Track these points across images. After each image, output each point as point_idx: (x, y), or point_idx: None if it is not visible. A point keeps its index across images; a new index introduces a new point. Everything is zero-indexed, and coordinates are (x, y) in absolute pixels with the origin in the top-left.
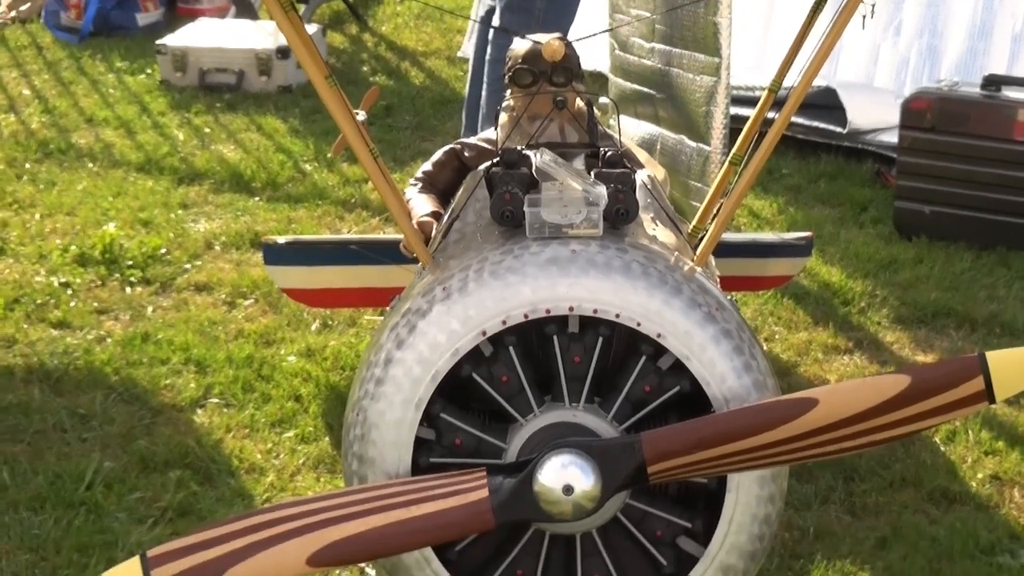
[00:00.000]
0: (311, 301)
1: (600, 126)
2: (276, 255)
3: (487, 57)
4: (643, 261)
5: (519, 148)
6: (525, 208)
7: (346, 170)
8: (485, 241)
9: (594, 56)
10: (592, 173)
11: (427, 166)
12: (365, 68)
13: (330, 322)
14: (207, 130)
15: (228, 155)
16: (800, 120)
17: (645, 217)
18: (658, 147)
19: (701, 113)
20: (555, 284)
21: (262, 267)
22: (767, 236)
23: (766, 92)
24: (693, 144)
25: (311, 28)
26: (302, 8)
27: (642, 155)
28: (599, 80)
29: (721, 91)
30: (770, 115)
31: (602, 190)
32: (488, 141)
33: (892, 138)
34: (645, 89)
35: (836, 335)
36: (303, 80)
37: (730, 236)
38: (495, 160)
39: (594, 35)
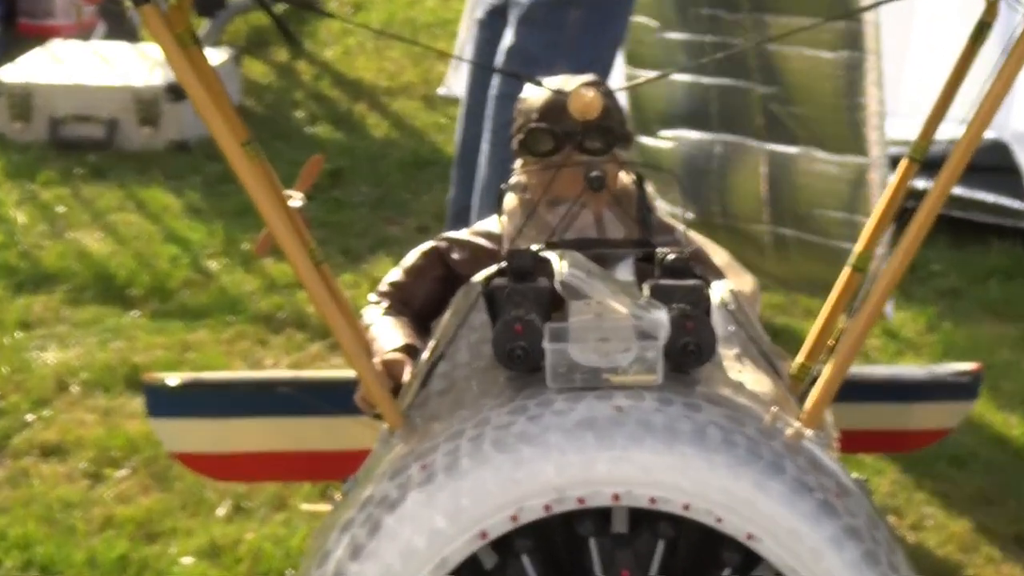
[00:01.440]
0: (218, 471)
1: (655, 212)
2: (165, 401)
3: (492, 92)
4: (724, 423)
5: (535, 249)
6: (545, 343)
7: (271, 269)
8: (485, 393)
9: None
10: (646, 287)
11: (396, 274)
12: (300, 113)
13: (246, 504)
14: (61, 209)
15: (92, 247)
16: (957, 191)
17: (726, 354)
18: (761, 169)
19: (842, 106)
20: (591, 459)
21: (143, 419)
22: (911, 370)
23: (905, 163)
24: (836, 157)
25: (219, 55)
26: (205, 26)
27: (719, 255)
28: None
29: (871, 71)
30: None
31: (662, 315)
32: (488, 236)
33: None
34: (734, 83)
35: (1019, 520)
36: (207, 133)
37: (856, 370)
38: (499, 268)
39: (647, 80)
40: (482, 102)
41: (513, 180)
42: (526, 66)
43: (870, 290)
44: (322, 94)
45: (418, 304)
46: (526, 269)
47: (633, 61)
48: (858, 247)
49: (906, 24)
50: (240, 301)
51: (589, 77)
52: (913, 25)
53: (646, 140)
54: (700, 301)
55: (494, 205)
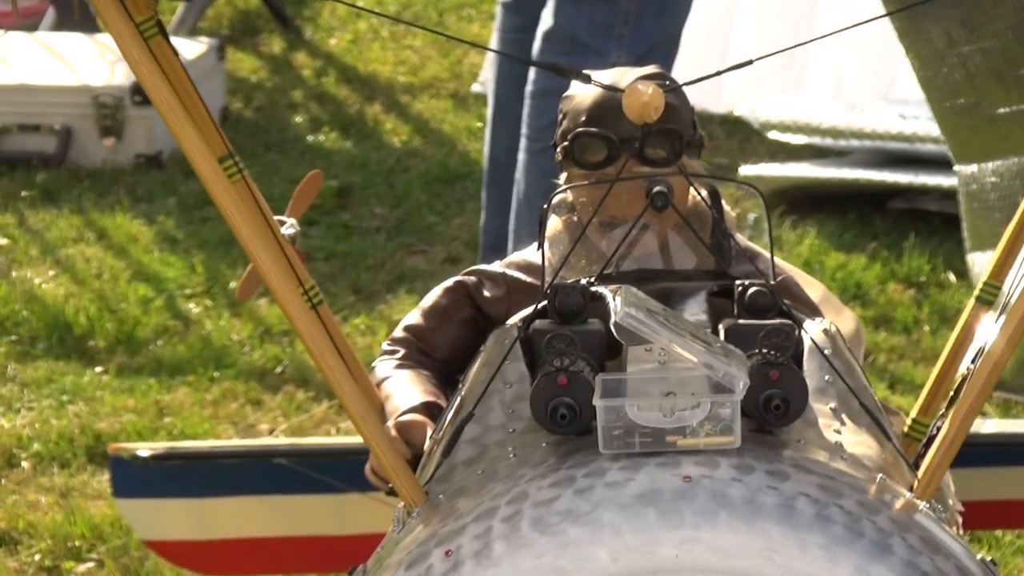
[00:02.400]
0: (201, 562)
1: (736, 236)
2: (136, 478)
3: (529, 88)
4: (818, 495)
5: (584, 284)
6: (596, 399)
7: (264, 311)
8: (522, 462)
9: (723, 89)
10: (722, 328)
11: (414, 316)
12: (299, 118)
13: None
14: (3, 241)
15: (44, 289)
16: None
17: (821, 409)
18: None
19: None
20: (654, 541)
21: (110, 500)
22: None
23: None
24: None
25: (196, 46)
26: (179, 9)
27: (814, 287)
28: (736, 132)
29: None
30: None
31: (740, 362)
32: (527, 268)
33: None
34: None
35: None
36: None
37: (985, 427)
38: (540, 307)
39: (718, 74)
40: (514, 103)
41: (557, 198)
42: (570, 55)
43: (1001, 326)
44: (326, 93)
45: (442, 353)
46: (573, 308)
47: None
48: (985, 274)
49: None
50: (227, 353)
51: (650, 69)
52: None
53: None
54: (788, 344)
55: (534, 229)
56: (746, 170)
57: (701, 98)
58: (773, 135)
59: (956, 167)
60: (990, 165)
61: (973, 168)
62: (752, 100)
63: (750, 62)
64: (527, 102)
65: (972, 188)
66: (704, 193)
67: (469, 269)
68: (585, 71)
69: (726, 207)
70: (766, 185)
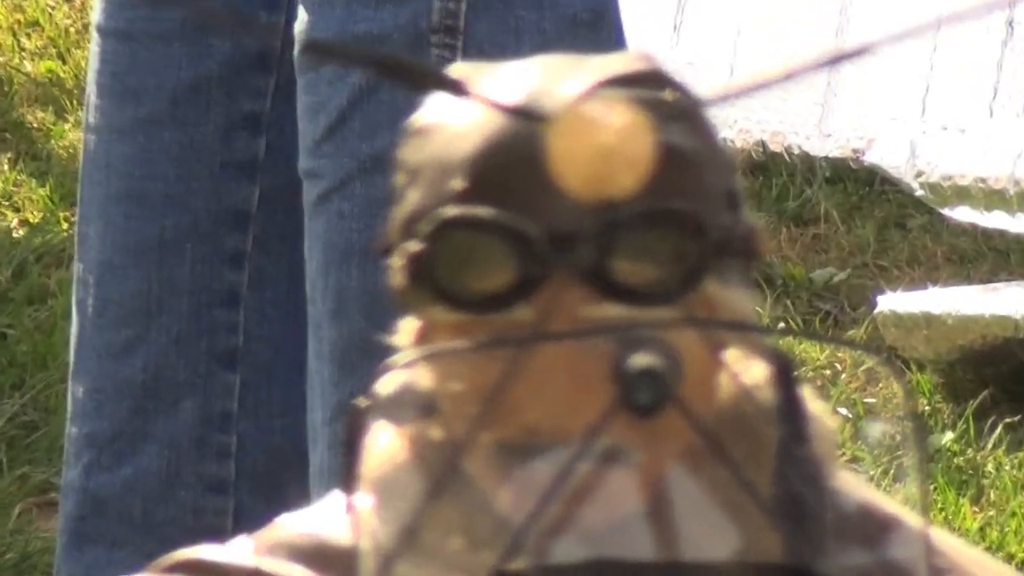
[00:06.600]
0: None
1: (829, 469)
2: None
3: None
4: None
5: None
6: None
7: None
8: None
9: (829, 111)
10: None
11: None
12: None
13: None
14: None
15: None
16: None
17: None
18: None
19: None
20: None
21: None
22: None
23: None
24: None
25: None
26: None
27: None
28: (858, 207)
29: None
30: None
31: None
32: (312, 554)
33: None
34: None
35: None
36: None
37: None
38: None
39: (842, 58)
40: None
41: (390, 382)
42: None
43: None
44: None
45: None
46: None
47: None
48: None
49: None
50: None
51: (622, 60)
52: None
53: None
54: None
55: (336, 455)
56: (887, 302)
57: (761, 126)
58: (959, 213)
59: None
60: None
61: None
62: (898, 132)
63: (868, 49)
64: (299, 78)
65: None
66: (759, 370)
67: (177, 557)
68: (455, 68)
69: (817, 403)
70: (932, 341)
